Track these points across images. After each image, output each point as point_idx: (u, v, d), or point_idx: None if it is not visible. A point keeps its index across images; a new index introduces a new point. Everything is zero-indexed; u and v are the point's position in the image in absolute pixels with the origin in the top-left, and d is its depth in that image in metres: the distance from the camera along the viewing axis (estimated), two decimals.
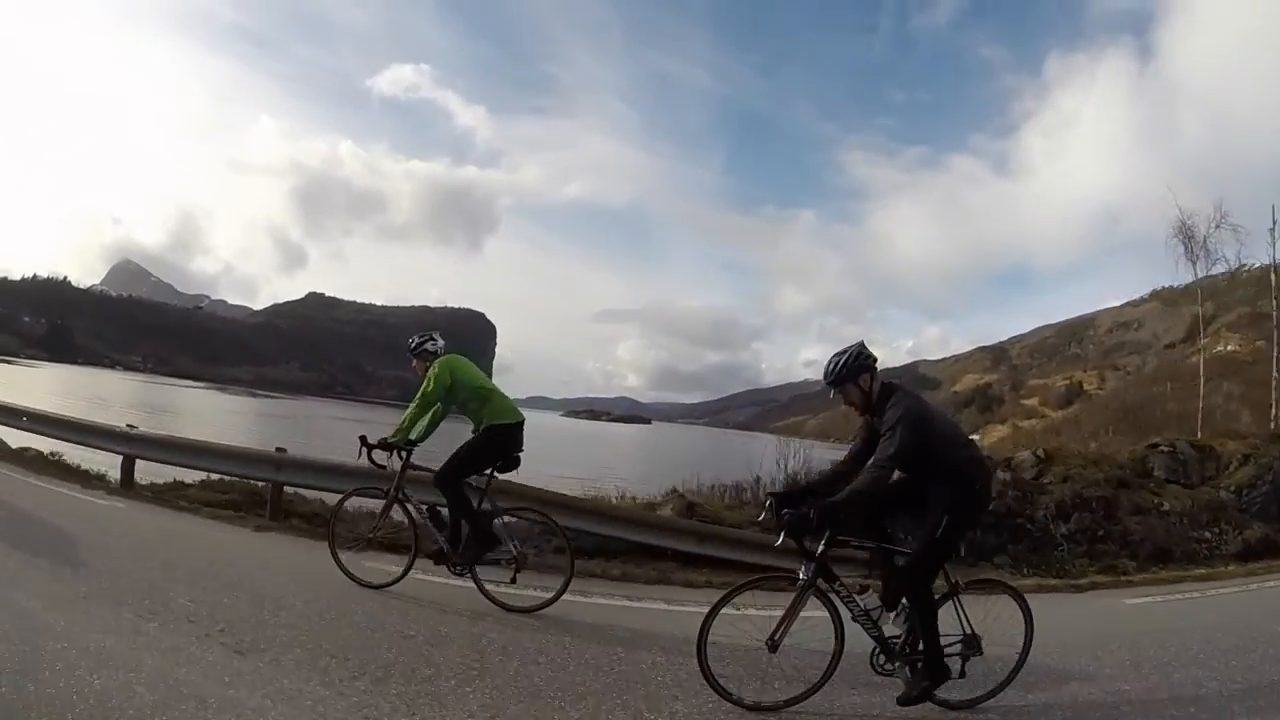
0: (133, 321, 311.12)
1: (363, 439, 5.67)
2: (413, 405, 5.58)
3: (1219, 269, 23.21)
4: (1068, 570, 9.94)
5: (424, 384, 5.60)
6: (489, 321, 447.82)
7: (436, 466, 5.62)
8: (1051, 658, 5.02)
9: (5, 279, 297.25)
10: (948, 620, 4.15)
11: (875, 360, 4.24)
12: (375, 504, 6.38)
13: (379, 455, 5.65)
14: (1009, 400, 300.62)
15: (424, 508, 5.68)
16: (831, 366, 4.22)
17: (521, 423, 5.74)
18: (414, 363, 5.86)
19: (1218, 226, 21.73)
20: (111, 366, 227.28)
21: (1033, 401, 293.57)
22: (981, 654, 4.21)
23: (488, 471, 5.61)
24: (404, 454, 5.68)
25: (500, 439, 5.62)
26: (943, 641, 4.14)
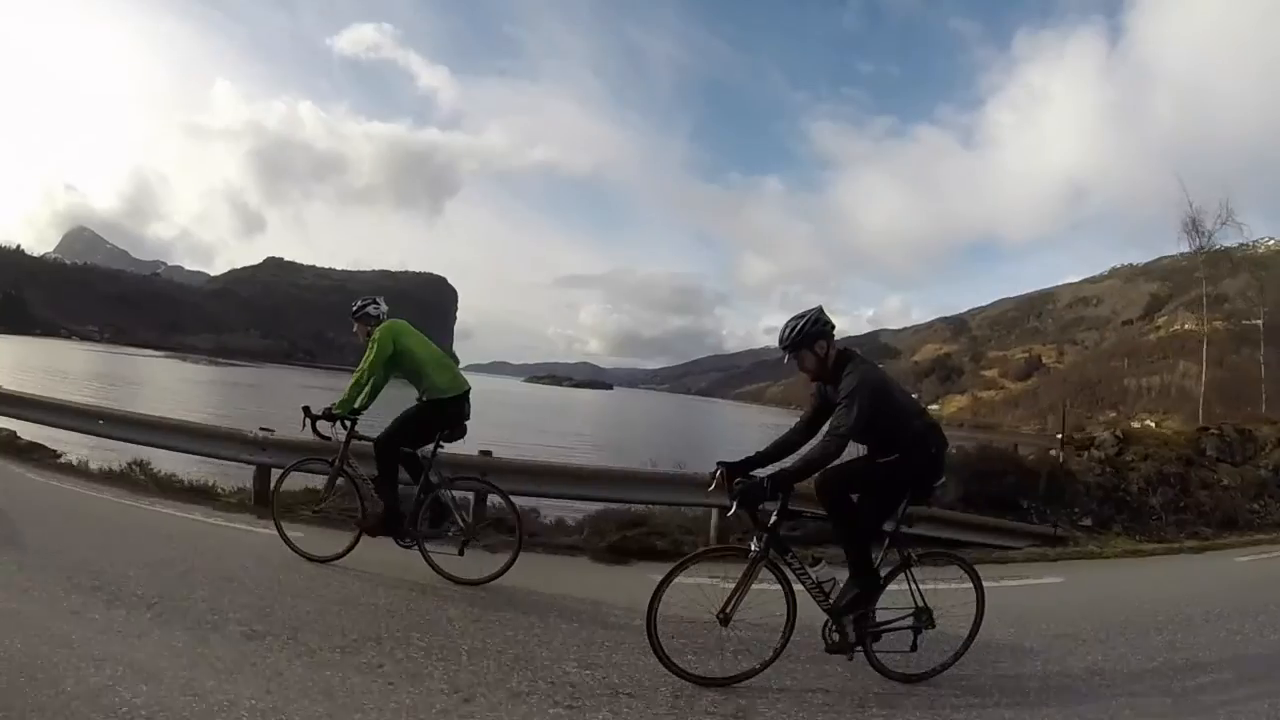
0: (89, 290, 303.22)
1: (306, 410, 5.49)
2: (356, 373, 5.40)
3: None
4: (1164, 537, 11.28)
5: (367, 351, 5.43)
6: (451, 287, 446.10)
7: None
8: (1233, 600, 6.44)
9: None
10: (899, 594, 4.13)
11: (833, 327, 4.11)
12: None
13: (323, 426, 5.48)
14: (969, 371, 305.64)
15: (370, 479, 5.51)
16: (787, 331, 4.08)
17: (467, 392, 5.57)
18: (355, 328, 5.70)
19: (1224, 224, 23.21)
20: (69, 337, 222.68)
21: (992, 373, 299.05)
22: (934, 627, 4.17)
23: (434, 442, 5.46)
24: (348, 424, 5.49)
25: (443, 409, 5.46)
26: (894, 615, 4.12)
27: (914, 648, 4.13)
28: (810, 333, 4.04)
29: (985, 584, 4.38)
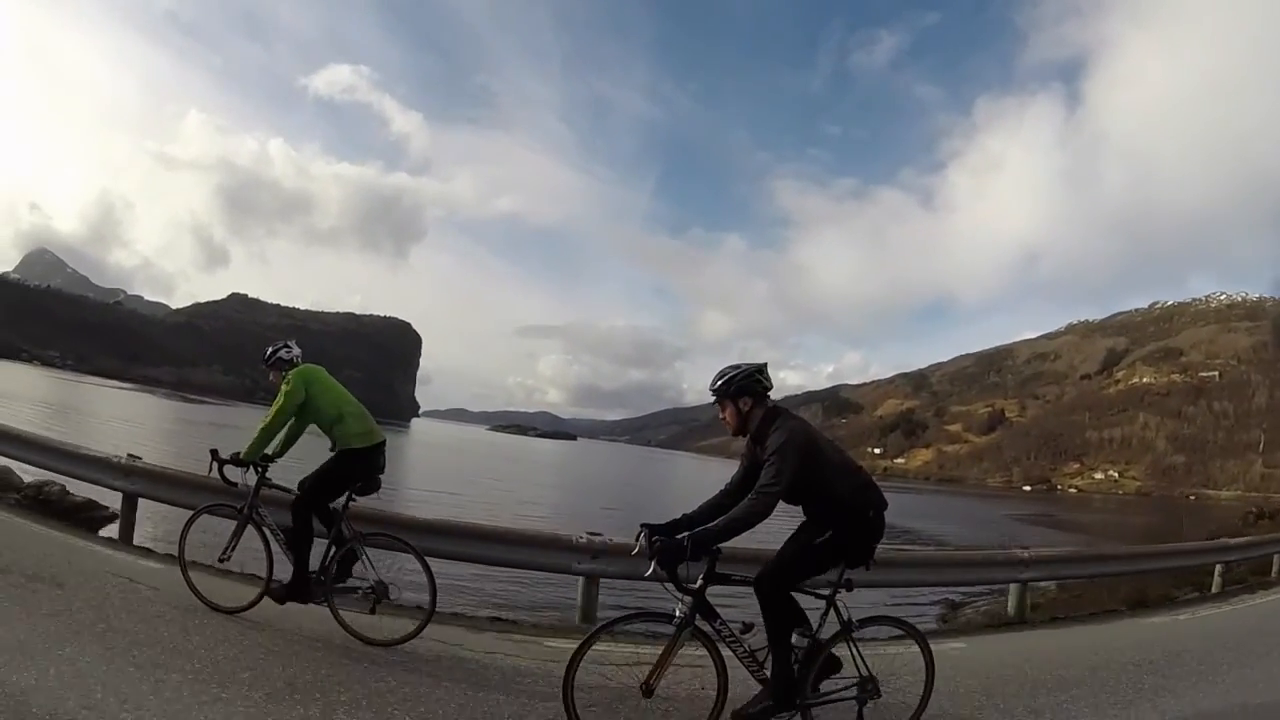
0: (49, 314, 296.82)
1: (214, 453, 5.18)
2: (265, 419, 5.11)
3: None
4: None
5: (277, 396, 5.15)
6: (416, 333, 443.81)
7: (293, 483, 5.18)
8: None
9: None
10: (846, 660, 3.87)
11: (766, 388, 3.88)
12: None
13: (230, 471, 5.18)
14: (932, 425, 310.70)
15: (279, 531, 5.17)
16: (717, 378, 3.89)
17: (382, 444, 5.32)
18: (270, 375, 5.40)
19: None
20: (30, 361, 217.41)
21: (956, 427, 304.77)
22: (880, 696, 3.92)
23: (345, 495, 5.17)
24: (259, 470, 5.20)
25: (357, 462, 5.20)
26: (838, 685, 3.87)
27: (860, 718, 3.90)
28: (739, 386, 3.84)
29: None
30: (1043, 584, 10.75)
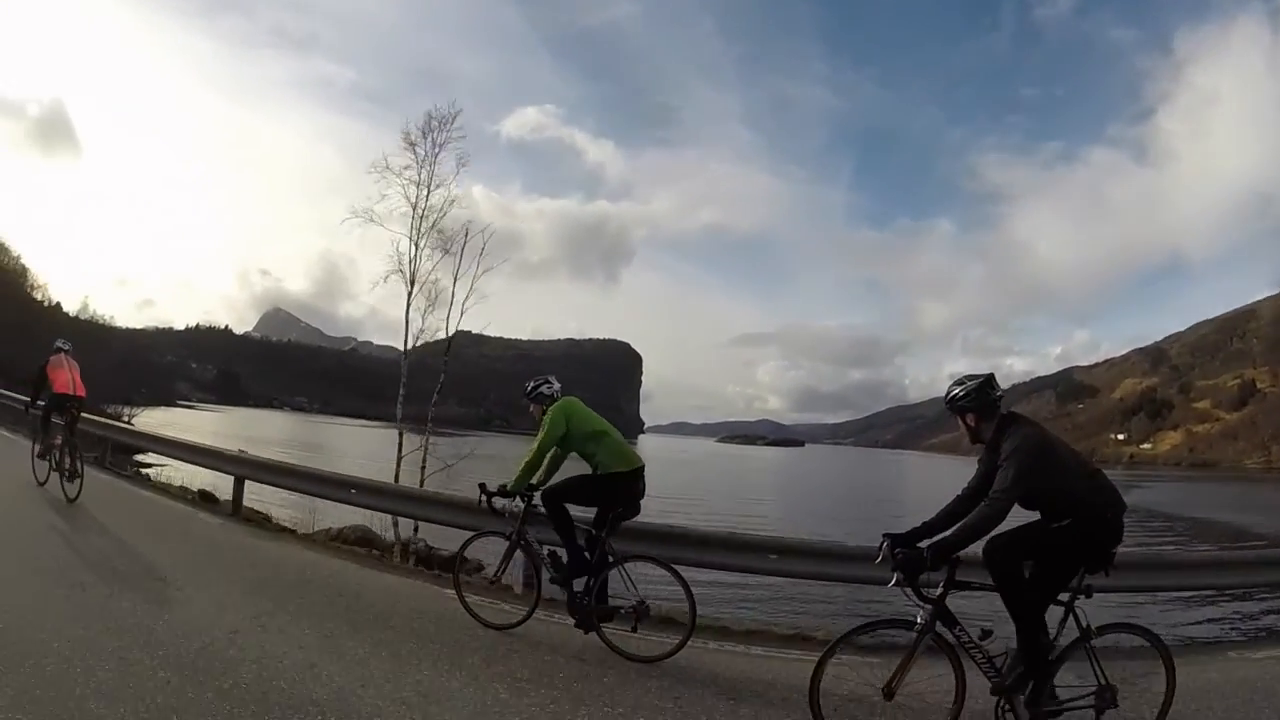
0: (291, 365, 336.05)
1: (482, 486, 5.71)
2: (530, 451, 5.57)
3: None
4: None
5: (540, 429, 5.59)
6: (635, 352, 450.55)
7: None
8: None
9: (171, 328, 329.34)
10: (1078, 669, 3.90)
11: (995, 399, 3.99)
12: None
13: (498, 502, 5.71)
14: (1179, 404, 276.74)
15: (546, 551, 5.71)
16: (948, 392, 4.06)
17: (641, 469, 5.63)
18: (531, 407, 5.85)
19: None
20: (281, 408, 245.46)
21: (1204, 404, 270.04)
22: (1116, 706, 3.91)
23: (608, 518, 5.54)
24: (525, 499, 5.70)
25: (617, 486, 5.56)
26: (1075, 693, 3.90)
27: None
28: (963, 404, 4.00)
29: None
30: None
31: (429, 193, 14.64)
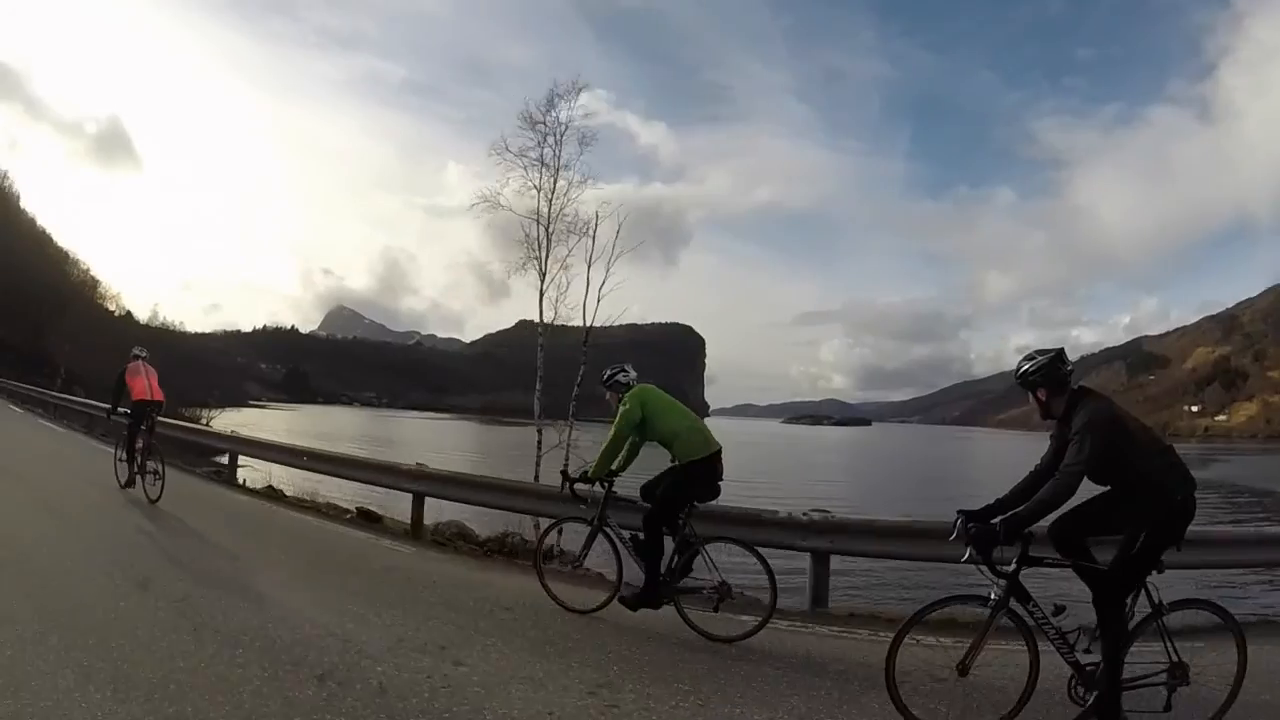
0: (357, 361, 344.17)
1: (564, 473, 5.94)
2: (608, 439, 5.73)
3: None
4: None
5: (616, 418, 5.71)
6: (697, 334, 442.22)
7: (636, 494, 5.80)
8: None
9: (239, 331, 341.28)
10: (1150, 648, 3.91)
11: (1065, 374, 4.00)
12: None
13: (580, 488, 5.88)
14: (1253, 374, 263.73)
15: (627, 536, 5.80)
16: (1018, 368, 4.10)
17: (719, 452, 5.68)
18: (608, 395, 6.00)
19: None
20: (349, 403, 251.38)
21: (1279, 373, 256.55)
22: (1189, 684, 3.89)
23: (689, 502, 5.63)
24: (605, 485, 5.83)
25: (697, 473, 5.62)
26: (1146, 670, 3.90)
27: (1168, 707, 3.84)
28: (1033, 380, 4.02)
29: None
30: None
31: (556, 175, 13.68)
